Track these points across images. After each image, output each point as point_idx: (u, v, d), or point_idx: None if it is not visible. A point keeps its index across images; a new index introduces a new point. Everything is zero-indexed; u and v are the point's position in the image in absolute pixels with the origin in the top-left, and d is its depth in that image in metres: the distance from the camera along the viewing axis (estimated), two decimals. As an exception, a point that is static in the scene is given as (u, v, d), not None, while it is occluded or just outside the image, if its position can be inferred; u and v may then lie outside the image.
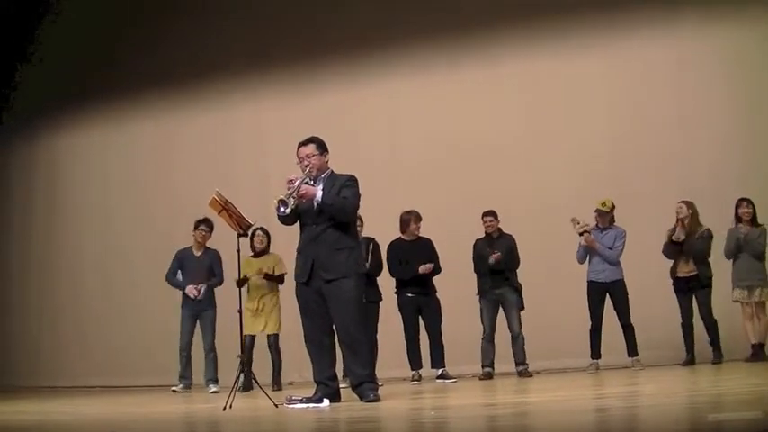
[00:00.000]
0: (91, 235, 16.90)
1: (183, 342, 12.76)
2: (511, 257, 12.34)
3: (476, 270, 12.44)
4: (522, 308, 12.27)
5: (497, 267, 12.21)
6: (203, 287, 12.65)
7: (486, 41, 14.31)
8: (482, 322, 12.30)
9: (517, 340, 12.19)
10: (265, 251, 12.62)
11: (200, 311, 12.75)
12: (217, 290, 12.87)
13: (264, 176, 13.94)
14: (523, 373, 12.10)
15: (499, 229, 12.48)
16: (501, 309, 12.33)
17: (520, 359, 12.19)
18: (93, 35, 16.61)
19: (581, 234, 12.21)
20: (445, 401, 9.00)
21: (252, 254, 12.45)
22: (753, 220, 11.87)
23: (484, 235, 12.49)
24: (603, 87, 13.68)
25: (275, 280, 12.54)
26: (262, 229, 12.19)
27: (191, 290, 12.62)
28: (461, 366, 12.56)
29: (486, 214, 12.47)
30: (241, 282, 12.25)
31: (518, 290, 12.30)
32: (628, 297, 12.15)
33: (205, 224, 12.81)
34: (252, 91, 15.67)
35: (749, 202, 11.90)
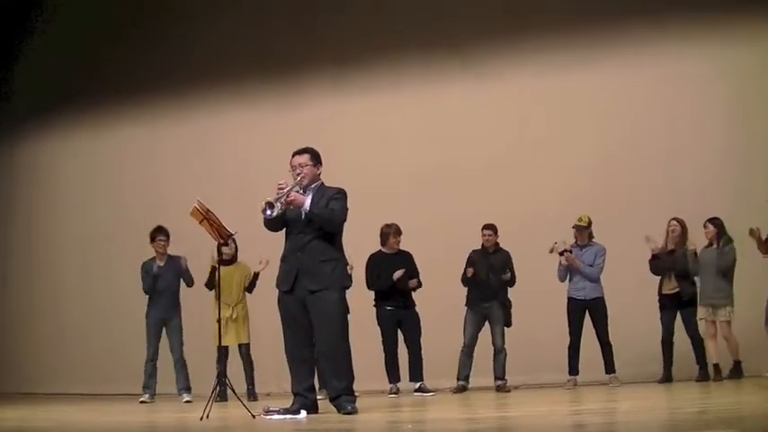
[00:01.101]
0: (72, 240, 16.82)
1: (150, 352, 12.64)
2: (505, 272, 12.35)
3: (464, 283, 12.44)
4: (509, 324, 12.28)
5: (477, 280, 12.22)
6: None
7: (474, 57, 14.32)
8: (464, 333, 12.30)
9: (499, 356, 12.20)
10: (233, 260, 12.61)
11: (165, 319, 12.68)
12: (184, 298, 12.84)
13: (249, 186, 13.90)
14: (502, 387, 12.10)
15: (496, 244, 12.48)
16: (487, 323, 12.34)
17: (499, 374, 12.20)
18: (80, 40, 16.58)
19: (561, 254, 12.23)
20: (423, 415, 9.00)
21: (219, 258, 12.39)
22: (721, 239, 11.88)
23: (480, 247, 12.50)
24: (592, 104, 13.68)
25: (253, 283, 12.56)
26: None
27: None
28: (440, 380, 12.55)
29: (485, 227, 12.47)
30: (210, 282, 12.25)
31: (506, 306, 12.31)
32: (607, 314, 12.18)
33: (162, 234, 12.77)
34: (239, 100, 15.63)
35: (713, 222, 11.93)
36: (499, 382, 12.17)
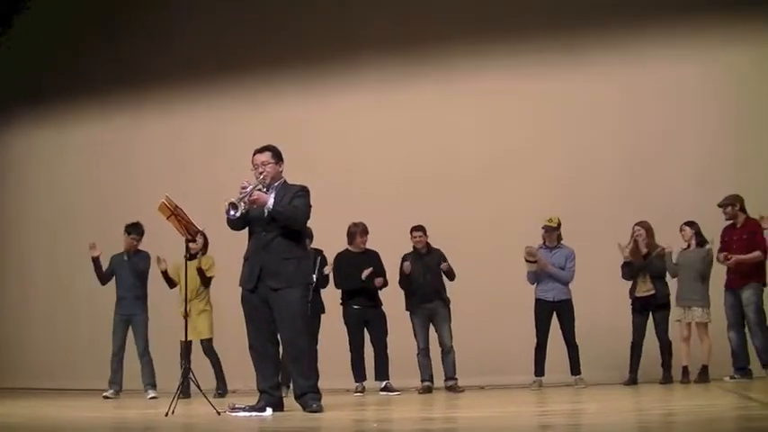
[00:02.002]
0: (40, 235, 16.74)
1: (114, 347, 12.63)
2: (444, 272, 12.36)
3: (401, 285, 12.46)
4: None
5: (410, 279, 12.22)
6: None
7: (445, 59, 14.32)
8: (415, 337, 12.31)
9: (448, 355, 12.20)
10: (202, 253, 12.57)
11: (131, 316, 12.65)
12: (150, 293, 12.79)
13: (218, 184, 13.84)
14: (453, 387, 12.10)
15: (428, 244, 12.48)
16: (432, 323, 12.36)
17: (450, 374, 12.22)
18: (49, 36, 16.45)
19: (531, 261, 12.24)
20: (388, 414, 8.99)
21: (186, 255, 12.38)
22: (699, 242, 11.95)
23: (412, 250, 12.51)
24: (571, 108, 13.73)
25: (202, 277, 12.50)
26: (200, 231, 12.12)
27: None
28: (406, 379, 12.54)
29: (414, 229, 12.47)
30: (165, 276, 12.22)
31: (447, 303, 12.34)
32: (574, 316, 12.23)
33: (135, 231, 12.73)
34: (209, 99, 15.59)
35: (690, 225, 12.01)
36: (450, 382, 12.18)
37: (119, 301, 12.70)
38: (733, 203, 11.87)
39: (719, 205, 11.90)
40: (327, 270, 12.09)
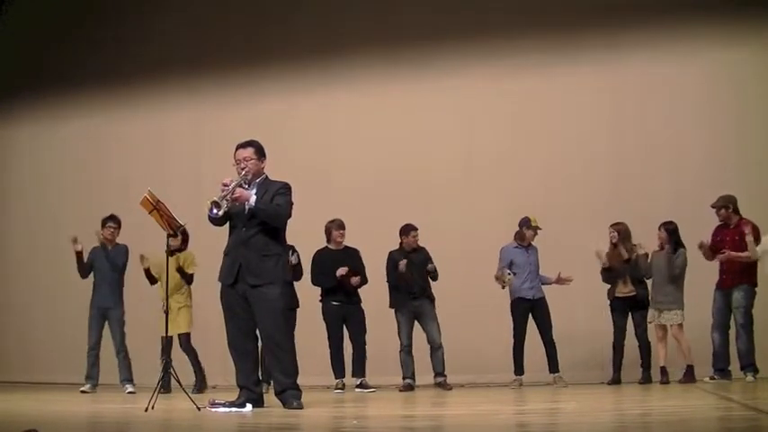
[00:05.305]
0: (18, 228, 16.68)
1: (91, 341, 12.61)
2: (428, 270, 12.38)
3: (389, 281, 12.46)
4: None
5: (406, 278, 12.22)
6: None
7: (427, 57, 14.28)
8: (399, 335, 12.33)
9: (438, 352, 12.23)
10: (180, 249, 12.52)
11: (107, 310, 12.62)
12: (129, 288, 12.78)
13: (200, 179, 13.85)
14: (442, 384, 12.15)
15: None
16: (417, 321, 12.39)
17: (439, 370, 12.25)
18: (32, 33, 16.36)
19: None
20: (368, 411, 9.00)
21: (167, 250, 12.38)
22: (675, 244, 11.97)
23: (398, 247, 12.53)
24: (544, 107, 13.77)
25: (185, 276, 12.47)
26: None
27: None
28: (384, 377, 12.57)
29: (412, 228, 12.47)
30: (148, 273, 12.22)
31: (433, 301, 12.37)
32: (550, 313, 12.26)
33: (112, 221, 12.76)
34: (190, 95, 15.53)
35: (665, 226, 12.03)
36: (439, 379, 12.23)
37: (95, 292, 12.68)
38: (726, 205, 11.85)
39: (713, 206, 11.89)
40: (294, 260, 11.97)
